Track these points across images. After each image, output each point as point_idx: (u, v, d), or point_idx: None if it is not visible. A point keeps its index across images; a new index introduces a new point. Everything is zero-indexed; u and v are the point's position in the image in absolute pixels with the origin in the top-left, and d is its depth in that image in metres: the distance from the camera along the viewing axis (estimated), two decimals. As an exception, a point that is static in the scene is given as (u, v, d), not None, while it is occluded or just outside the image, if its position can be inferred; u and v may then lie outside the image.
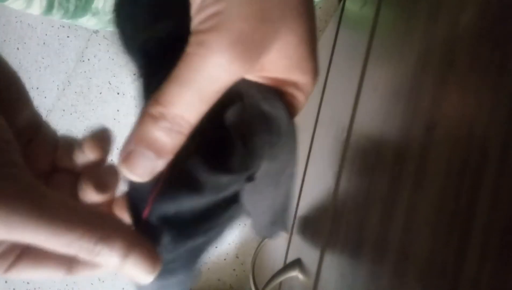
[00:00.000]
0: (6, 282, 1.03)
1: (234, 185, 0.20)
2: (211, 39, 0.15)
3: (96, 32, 1.07)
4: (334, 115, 0.36)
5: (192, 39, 0.16)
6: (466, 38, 0.15)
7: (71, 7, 0.78)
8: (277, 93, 0.20)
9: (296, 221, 0.43)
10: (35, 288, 1.04)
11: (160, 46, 0.21)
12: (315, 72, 0.19)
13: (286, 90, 0.19)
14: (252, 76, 0.19)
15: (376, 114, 0.24)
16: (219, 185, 0.19)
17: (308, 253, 0.33)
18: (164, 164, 0.17)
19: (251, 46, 0.16)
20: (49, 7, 0.75)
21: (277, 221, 0.25)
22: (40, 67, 1.07)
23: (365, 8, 0.33)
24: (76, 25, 0.92)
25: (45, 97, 1.04)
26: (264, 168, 0.20)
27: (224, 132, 0.19)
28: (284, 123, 0.20)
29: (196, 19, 0.16)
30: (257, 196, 0.22)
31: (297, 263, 0.35)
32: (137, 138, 0.17)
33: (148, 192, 0.18)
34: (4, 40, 1.06)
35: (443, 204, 0.14)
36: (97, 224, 0.16)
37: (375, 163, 0.22)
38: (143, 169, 0.17)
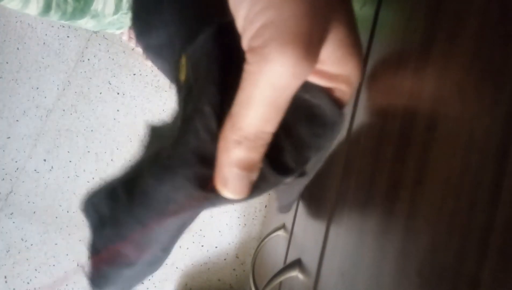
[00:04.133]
0: (6, 282, 1.03)
1: (284, 182, 0.20)
2: (271, 52, 0.15)
3: (96, 32, 1.07)
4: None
5: (250, 57, 0.16)
6: (467, 38, 0.15)
7: (69, 9, 0.78)
8: (326, 90, 0.19)
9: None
10: (35, 288, 1.04)
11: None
12: (362, 62, 0.19)
13: (336, 86, 0.19)
14: None
15: (377, 112, 0.24)
16: (274, 183, 0.20)
17: (308, 253, 0.33)
18: (257, 174, 0.18)
19: (312, 45, 0.15)
20: (46, 8, 0.75)
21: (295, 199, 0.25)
22: (40, 67, 1.07)
23: (365, 8, 0.33)
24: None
25: (45, 97, 1.04)
26: (312, 161, 0.20)
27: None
28: (328, 113, 0.19)
29: (247, 35, 0.16)
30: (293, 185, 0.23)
31: (297, 263, 0.35)
32: (228, 164, 0.17)
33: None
34: (4, 40, 1.06)
35: (443, 204, 0.14)
36: None
37: (374, 164, 0.22)
38: (242, 187, 0.18)
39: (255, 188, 0.19)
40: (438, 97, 0.17)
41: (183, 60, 0.21)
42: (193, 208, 0.19)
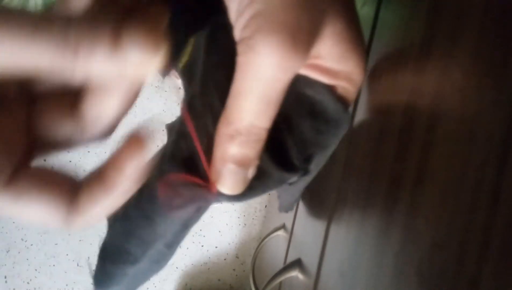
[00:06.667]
0: (6, 282, 1.03)
1: (290, 180, 0.20)
2: (258, 43, 0.15)
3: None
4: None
5: (240, 48, 0.16)
6: (467, 38, 0.15)
7: None
8: (329, 87, 0.19)
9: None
10: (35, 288, 1.04)
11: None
12: (365, 60, 0.18)
13: (339, 83, 0.19)
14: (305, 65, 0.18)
15: (377, 112, 0.24)
16: (279, 180, 0.20)
17: (308, 253, 0.33)
18: (253, 171, 0.18)
19: (301, 36, 0.15)
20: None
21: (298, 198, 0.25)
22: (40, 67, 1.07)
23: (365, 7, 0.33)
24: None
25: (45, 97, 1.04)
26: (316, 159, 0.20)
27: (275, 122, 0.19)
28: (331, 110, 0.19)
29: (237, 26, 0.16)
30: (297, 183, 0.23)
31: (297, 263, 0.35)
32: (221, 158, 0.17)
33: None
34: (4, 40, 1.06)
35: (443, 204, 0.14)
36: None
37: (374, 163, 0.22)
38: (236, 183, 0.18)
39: (260, 185, 0.19)
40: (438, 97, 0.17)
41: (189, 46, 0.21)
42: (197, 202, 0.19)
